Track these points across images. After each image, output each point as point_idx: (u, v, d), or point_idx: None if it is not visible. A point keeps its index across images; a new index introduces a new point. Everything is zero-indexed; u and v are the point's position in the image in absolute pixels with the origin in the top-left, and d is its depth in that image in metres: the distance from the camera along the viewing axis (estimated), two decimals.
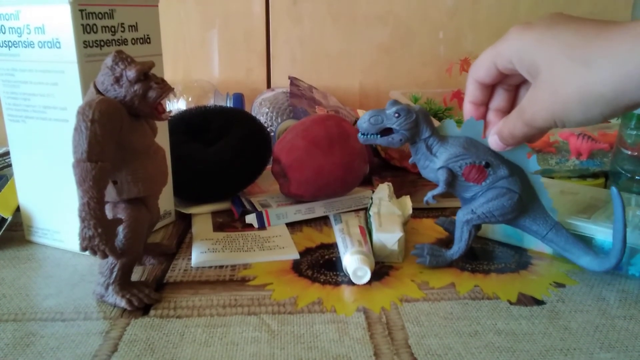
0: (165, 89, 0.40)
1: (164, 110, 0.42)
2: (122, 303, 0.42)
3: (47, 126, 0.49)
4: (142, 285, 0.44)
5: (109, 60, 0.40)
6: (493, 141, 0.44)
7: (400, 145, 0.46)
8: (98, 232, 0.38)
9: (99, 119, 0.38)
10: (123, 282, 0.43)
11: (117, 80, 0.39)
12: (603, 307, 0.43)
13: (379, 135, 0.46)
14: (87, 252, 0.39)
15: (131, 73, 0.39)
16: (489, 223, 0.48)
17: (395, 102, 0.46)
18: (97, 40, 0.47)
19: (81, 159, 0.38)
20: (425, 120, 0.46)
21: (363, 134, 0.46)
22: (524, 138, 0.42)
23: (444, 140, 0.46)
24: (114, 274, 0.42)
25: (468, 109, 0.46)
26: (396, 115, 0.45)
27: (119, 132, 0.39)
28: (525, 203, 0.47)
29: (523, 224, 0.48)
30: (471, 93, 0.45)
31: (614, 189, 0.43)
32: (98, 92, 0.40)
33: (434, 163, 0.47)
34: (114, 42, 0.49)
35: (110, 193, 0.42)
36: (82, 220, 0.38)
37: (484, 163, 0.46)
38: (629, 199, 0.55)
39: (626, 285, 0.46)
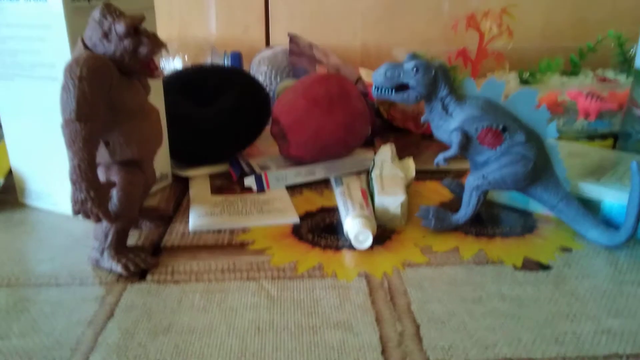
0: (157, 44, 0.38)
1: (156, 67, 0.40)
2: (118, 268, 0.41)
3: (35, 85, 0.47)
4: (139, 250, 0.43)
5: (96, 14, 0.37)
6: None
7: (416, 103, 0.45)
8: (90, 195, 0.37)
9: (87, 77, 0.36)
10: (118, 247, 0.42)
11: (106, 35, 0.37)
12: (611, 272, 0.42)
13: (393, 91, 0.44)
14: (80, 216, 0.38)
15: (120, 27, 0.37)
16: (500, 190, 0.46)
17: (414, 56, 0.44)
18: None
19: (70, 119, 0.36)
20: (444, 77, 0.44)
21: (377, 88, 0.44)
22: None
23: (461, 100, 0.44)
24: (109, 238, 0.41)
25: None
26: (414, 70, 0.43)
27: (108, 91, 0.37)
28: (538, 171, 0.45)
29: (534, 192, 0.46)
30: None
31: (634, 164, 0.42)
32: (86, 47, 0.38)
33: (449, 123, 0.45)
34: None
35: (103, 155, 0.40)
36: (73, 183, 0.37)
37: (501, 127, 0.44)
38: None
39: (634, 249, 0.45)
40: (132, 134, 0.40)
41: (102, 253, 0.42)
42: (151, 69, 0.40)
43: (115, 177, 0.40)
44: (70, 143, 0.36)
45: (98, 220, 0.38)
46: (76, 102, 0.36)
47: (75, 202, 0.37)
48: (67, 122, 0.36)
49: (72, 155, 0.36)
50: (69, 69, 0.36)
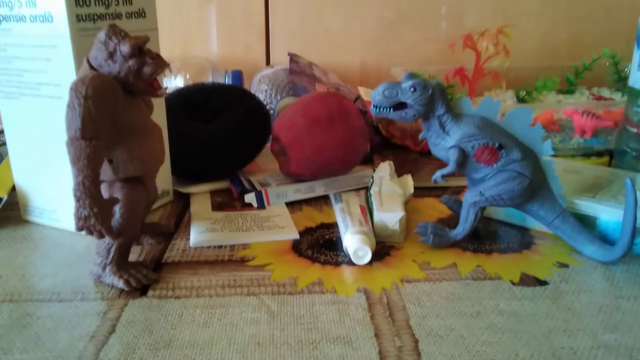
0: (161, 64, 0.39)
1: (159, 87, 0.41)
2: (120, 284, 0.41)
3: (41, 103, 0.48)
4: (140, 265, 0.44)
5: (102, 35, 0.38)
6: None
7: (413, 121, 0.45)
8: (94, 211, 0.37)
9: (93, 96, 0.37)
10: (120, 263, 0.42)
11: (111, 55, 0.38)
12: (607, 288, 0.42)
13: (392, 109, 0.45)
14: (83, 232, 0.38)
15: (125, 48, 0.38)
16: (497, 206, 0.47)
17: (412, 76, 0.45)
18: (90, 14, 0.45)
19: (75, 136, 0.37)
20: (441, 96, 0.45)
21: (376, 107, 0.45)
22: None
23: (458, 118, 0.45)
24: (111, 254, 0.42)
25: None
26: (412, 89, 0.44)
27: (113, 109, 0.38)
28: (535, 188, 0.46)
29: (531, 208, 0.47)
30: None
31: (628, 181, 0.43)
32: (91, 67, 0.39)
33: (446, 141, 0.46)
34: (107, 16, 0.47)
35: (106, 172, 0.41)
36: (77, 199, 0.37)
37: (497, 145, 0.45)
38: (634, 177, 0.54)
39: (631, 265, 0.45)
40: (136, 151, 0.41)
41: (104, 268, 0.42)
42: (155, 88, 0.40)
43: (118, 194, 0.41)
44: (75, 160, 0.37)
45: (101, 236, 0.39)
46: (81, 121, 0.36)
47: (79, 218, 0.38)
48: (72, 139, 0.37)
49: (77, 172, 0.37)
50: (75, 88, 0.37)
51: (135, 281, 0.42)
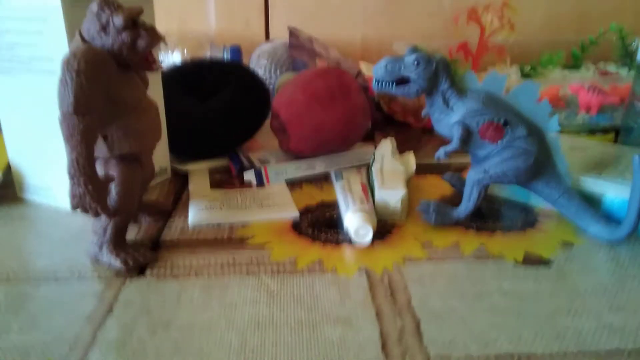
0: (155, 38, 0.38)
1: (154, 61, 0.39)
2: (117, 263, 0.41)
3: (33, 78, 0.47)
4: (138, 244, 0.43)
5: (94, 6, 0.37)
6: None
7: (416, 97, 0.44)
8: (88, 189, 0.36)
9: (85, 70, 0.35)
10: (117, 242, 0.41)
11: (104, 27, 0.37)
12: (612, 267, 0.41)
13: (394, 84, 0.44)
14: (78, 211, 0.37)
15: (118, 20, 0.36)
16: (501, 184, 0.46)
17: (415, 50, 0.44)
18: None
19: (67, 112, 0.36)
20: (445, 70, 0.44)
21: (378, 82, 0.44)
22: None
23: (462, 93, 0.44)
24: (108, 233, 0.41)
25: None
26: (415, 63, 0.43)
27: (107, 84, 0.37)
28: (540, 165, 0.45)
29: (535, 186, 0.46)
30: None
31: (636, 158, 0.42)
32: (84, 40, 0.38)
33: (450, 117, 0.44)
34: None
35: (101, 149, 0.40)
36: (72, 177, 0.36)
37: (502, 121, 0.44)
38: None
39: (636, 244, 0.45)
40: (131, 128, 0.40)
41: (100, 247, 0.41)
42: (149, 62, 0.39)
43: (113, 171, 0.40)
44: (68, 137, 0.36)
45: (96, 214, 0.38)
46: (74, 96, 0.35)
47: (73, 196, 0.37)
48: (65, 115, 0.36)
49: (70, 149, 0.36)
50: (67, 62, 0.36)
51: (132, 260, 0.41)
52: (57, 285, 0.39)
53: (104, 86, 0.37)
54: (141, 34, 0.37)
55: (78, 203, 0.37)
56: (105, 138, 0.39)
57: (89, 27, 0.37)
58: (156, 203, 0.51)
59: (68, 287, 0.39)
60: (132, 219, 0.47)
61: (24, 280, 0.40)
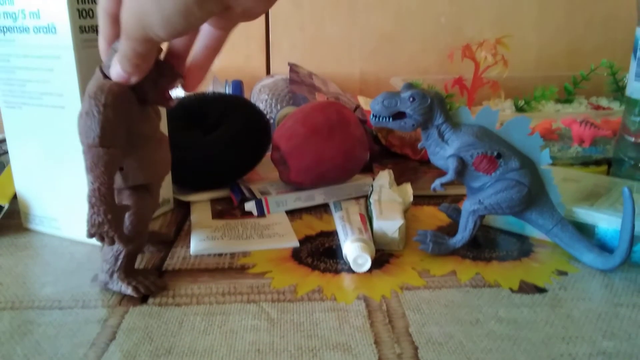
0: (175, 76, 0.39)
1: (171, 97, 0.41)
2: (128, 290, 0.42)
3: (43, 113, 0.48)
4: (147, 272, 0.44)
5: (117, 45, 0.38)
6: (113, 72, 0.37)
7: (412, 130, 0.46)
8: (108, 218, 0.37)
9: (112, 104, 0.37)
10: (128, 270, 0.42)
11: None
12: (606, 295, 0.42)
13: (391, 119, 0.46)
14: (93, 239, 0.38)
15: None
16: (496, 214, 0.47)
17: (410, 86, 0.45)
18: (93, 25, 0.46)
19: (93, 144, 0.37)
20: (440, 105, 0.45)
21: (375, 116, 0.46)
22: (139, 56, 0.35)
23: (456, 127, 0.46)
24: (119, 261, 0.42)
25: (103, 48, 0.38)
26: (411, 99, 0.45)
27: (129, 117, 0.38)
28: (533, 196, 0.46)
29: (529, 217, 0.47)
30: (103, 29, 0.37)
31: (626, 190, 0.43)
32: (105, 76, 0.39)
33: (445, 150, 0.46)
34: None
35: (116, 180, 0.41)
36: (92, 206, 0.37)
37: (495, 154, 0.45)
38: (632, 186, 0.54)
39: (630, 272, 0.46)
40: (146, 160, 0.41)
41: (111, 275, 0.42)
42: (166, 98, 0.41)
43: (127, 201, 0.41)
44: (92, 167, 0.37)
45: (112, 242, 0.39)
46: (100, 128, 0.36)
47: (92, 224, 0.38)
48: (90, 147, 0.37)
49: (93, 179, 0.37)
50: (94, 96, 0.37)
51: (143, 287, 0.42)
52: (61, 312, 0.40)
53: (126, 119, 0.38)
54: (163, 72, 0.39)
55: (96, 231, 0.38)
56: (121, 169, 0.41)
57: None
58: (159, 233, 0.52)
59: (72, 315, 0.40)
60: (143, 247, 0.48)
61: (29, 308, 0.41)
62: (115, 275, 0.42)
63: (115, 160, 0.38)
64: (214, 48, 0.39)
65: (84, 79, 0.46)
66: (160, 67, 0.39)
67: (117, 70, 0.37)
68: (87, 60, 0.46)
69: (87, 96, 0.37)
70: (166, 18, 0.31)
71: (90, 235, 0.38)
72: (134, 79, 0.37)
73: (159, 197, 0.46)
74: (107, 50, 0.38)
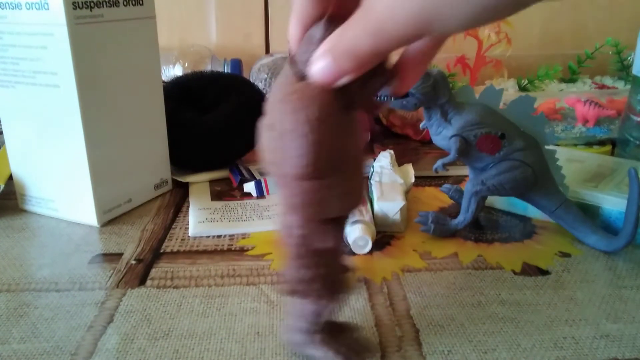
0: (391, 76, 0.29)
1: (379, 103, 0.33)
2: (338, 358, 0.32)
3: (37, 92, 0.47)
4: (346, 327, 0.34)
5: (317, 31, 0.27)
6: (320, 69, 0.26)
7: (415, 110, 0.45)
8: (321, 273, 0.28)
9: (325, 117, 0.25)
10: (334, 329, 0.33)
11: None
12: (609, 277, 0.42)
13: (392, 98, 0.45)
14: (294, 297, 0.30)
15: None
16: (499, 195, 0.47)
17: None
18: (86, 2, 0.45)
19: (302, 175, 0.26)
20: (443, 84, 0.44)
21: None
22: (372, 56, 0.25)
23: (460, 107, 0.45)
24: (323, 318, 0.31)
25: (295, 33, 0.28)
26: None
27: (338, 133, 0.27)
28: (537, 177, 0.45)
29: (533, 198, 0.47)
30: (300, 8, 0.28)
31: (631, 170, 0.42)
32: (301, 77, 0.27)
33: (448, 130, 0.45)
34: (104, 3, 0.46)
35: None
36: (299, 257, 0.28)
37: (499, 134, 0.44)
38: (637, 166, 0.53)
39: (633, 254, 0.45)
40: (345, 185, 0.29)
41: (312, 336, 0.32)
42: (375, 104, 0.31)
43: (318, 242, 0.30)
44: (299, 207, 0.27)
45: (321, 299, 0.29)
46: (313, 154, 0.26)
47: (299, 281, 0.29)
48: (296, 179, 0.27)
49: (300, 223, 0.28)
50: (297, 106, 0.26)
51: (355, 354, 0.32)
52: (58, 295, 0.40)
53: (337, 136, 0.27)
54: (376, 71, 0.27)
55: (304, 289, 0.29)
56: None
57: (309, 57, 0.26)
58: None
59: (69, 297, 0.39)
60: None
61: (25, 290, 0.40)
62: (319, 338, 0.32)
63: (331, 196, 0.27)
64: (435, 48, 0.30)
65: (78, 57, 0.45)
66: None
67: (327, 67, 0.26)
68: (81, 37, 0.45)
69: (281, 101, 0.27)
70: (471, 17, 0.22)
71: (292, 294, 0.29)
72: (346, 80, 0.26)
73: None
74: (301, 38, 0.27)
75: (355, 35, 0.25)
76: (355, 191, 0.30)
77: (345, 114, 0.27)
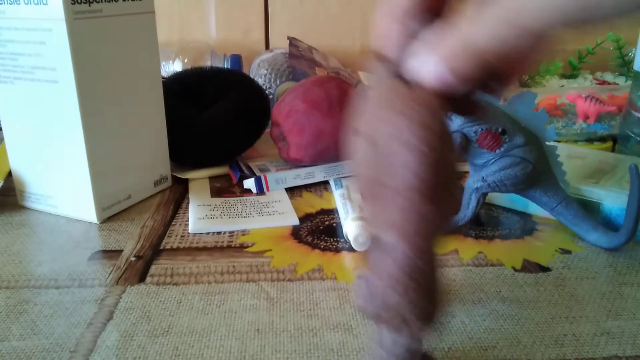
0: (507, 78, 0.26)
1: (484, 107, 0.30)
2: None
3: (36, 88, 0.47)
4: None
5: (420, 26, 0.24)
6: (433, 71, 0.23)
7: None
8: (418, 305, 0.25)
9: (445, 131, 0.23)
10: None
11: None
12: (610, 274, 0.42)
13: None
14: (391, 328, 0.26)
15: None
16: (499, 192, 0.46)
17: None
18: None
19: (420, 200, 0.23)
20: None
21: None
22: (498, 55, 0.22)
23: None
24: (414, 354, 0.27)
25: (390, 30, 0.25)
26: None
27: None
28: (538, 174, 0.45)
29: (533, 194, 0.46)
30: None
31: (632, 166, 0.42)
32: (402, 79, 0.24)
33: (448, 126, 0.45)
34: None
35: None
36: (406, 290, 0.24)
37: (500, 130, 0.44)
38: (638, 163, 0.53)
39: (635, 251, 0.45)
40: (445, 206, 0.26)
41: None
42: (479, 109, 0.28)
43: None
44: (414, 234, 0.24)
45: (413, 332, 0.26)
46: (433, 174, 0.23)
47: (386, 307, 0.25)
48: (416, 204, 0.24)
49: (412, 252, 0.24)
50: (408, 116, 0.23)
51: None
52: (57, 292, 0.40)
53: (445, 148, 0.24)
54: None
55: (400, 324, 0.25)
56: None
57: (412, 57, 0.24)
58: None
59: (69, 294, 0.39)
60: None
61: (25, 287, 0.40)
62: None
63: (439, 212, 0.24)
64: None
65: (76, 52, 0.45)
66: None
67: (441, 71, 0.22)
68: (80, 32, 0.45)
69: (386, 113, 0.23)
70: None
71: (377, 319, 0.26)
72: (461, 84, 0.23)
73: None
74: (398, 34, 0.24)
75: (477, 30, 0.21)
76: (447, 209, 0.26)
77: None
